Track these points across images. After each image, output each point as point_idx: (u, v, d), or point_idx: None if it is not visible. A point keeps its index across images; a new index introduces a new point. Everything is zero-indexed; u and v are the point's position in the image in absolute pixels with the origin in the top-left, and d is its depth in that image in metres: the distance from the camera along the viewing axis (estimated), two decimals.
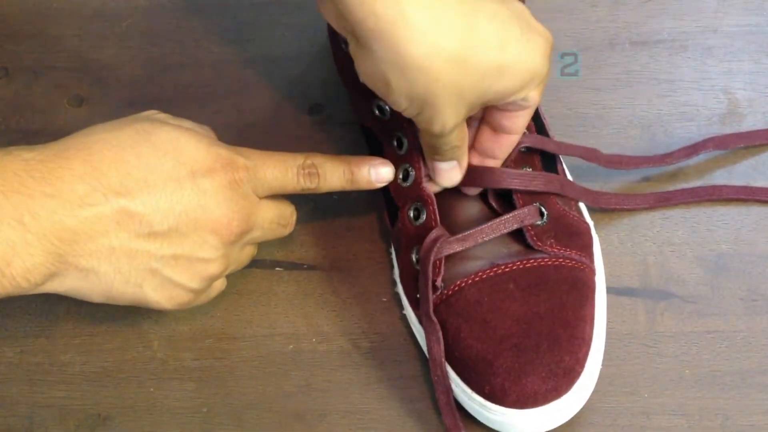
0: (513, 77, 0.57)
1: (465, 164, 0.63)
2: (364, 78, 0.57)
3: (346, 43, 0.66)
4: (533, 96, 0.59)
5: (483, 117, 0.63)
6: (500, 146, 0.63)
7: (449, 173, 0.63)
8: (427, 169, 0.64)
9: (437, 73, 0.54)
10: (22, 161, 0.56)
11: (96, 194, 0.56)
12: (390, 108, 0.65)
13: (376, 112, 0.66)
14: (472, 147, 0.64)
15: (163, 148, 0.59)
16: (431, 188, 0.64)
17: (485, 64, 0.55)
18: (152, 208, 0.58)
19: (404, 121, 0.64)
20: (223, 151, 0.61)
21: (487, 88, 0.57)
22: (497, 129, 0.62)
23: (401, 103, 0.56)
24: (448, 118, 0.57)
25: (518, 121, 0.62)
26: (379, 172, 0.64)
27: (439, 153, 0.61)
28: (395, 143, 0.65)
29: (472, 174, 0.64)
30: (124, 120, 0.61)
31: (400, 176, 0.65)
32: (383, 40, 0.53)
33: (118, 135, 0.59)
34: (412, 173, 0.64)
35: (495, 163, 0.63)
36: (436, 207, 0.63)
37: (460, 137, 0.60)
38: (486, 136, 0.63)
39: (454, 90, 0.55)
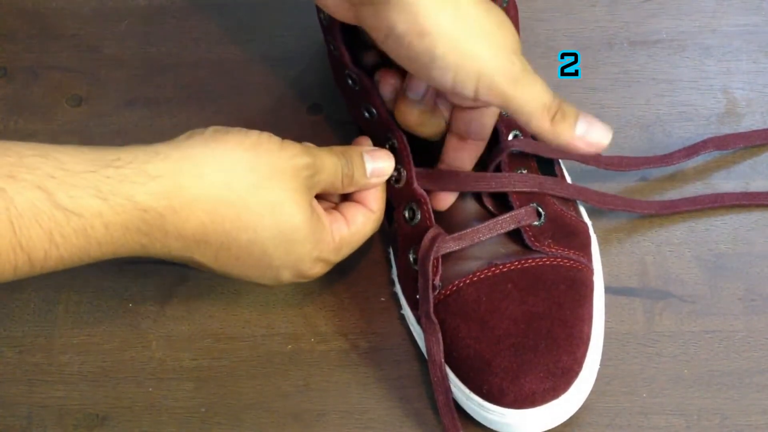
0: (512, 35, 0.58)
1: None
2: (399, 44, 0.56)
3: (334, 46, 0.66)
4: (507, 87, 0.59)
5: (449, 127, 0.64)
6: (468, 155, 0.64)
7: (601, 127, 0.59)
8: (419, 174, 0.64)
9: (464, 10, 0.56)
10: (140, 212, 0.54)
11: (186, 257, 0.57)
12: (377, 111, 0.65)
13: (366, 114, 0.66)
14: (441, 161, 0.65)
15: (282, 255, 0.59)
16: (443, 203, 0.64)
17: (495, 11, 0.57)
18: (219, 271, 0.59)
19: (392, 124, 0.64)
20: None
21: (508, 33, 0.58)
22: (464, 135, 0.63)
23: (451, 56, 0.56)
24: (510, 54, 0.57)
25: (485, 122, 0.63)
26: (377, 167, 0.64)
27: (552, 106, 0.58)
28: (387, 145, 0.65)
29: (437, 178, 0.64)
30: (267, 182, 0.58)
31: (393, 177, 0.65)
32: None
33: (252, 222, 0.57)
34: (404, 174, 0.64)
35: None
36: (430, 206, 0.64)
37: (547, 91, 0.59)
38: (453, 145, 0.64)
39: (485, 31, 0.57)
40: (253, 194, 0.57)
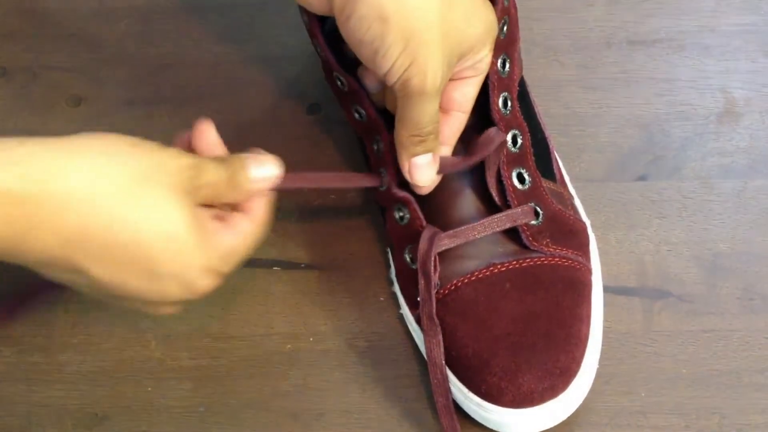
0: (482, 21, 0.59)
1: (438, 158, 0.62)
2: (357, 27, 0.57)
3: (320, 48, 0.66)
4: (488, 57, 0.61)
5: None
6: (450, 128, 0.63)
7: (426, 169, 0.62)
8: (401, 175, 0.63)
9: (429, 3, 0.56)
10: (10, 198, 0.51)
11: (65, 259, 0.53)
12: (366, 112, 0.65)
13: (356, 116, 0.66)
14: None
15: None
16: (418, 191, 0.63)
17: (462, 1, 0.58)
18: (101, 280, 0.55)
19: (381, 125, 0.64)
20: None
21: (465, 30, 0.58)
22: (447, 108, 0.62)
23: (396, 48, 0.56)
24: (438, 65, 0.57)
25: (469, 92, 0.62)
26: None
27: (420, 134, 0.60)
28: (375, 146, 0.65)
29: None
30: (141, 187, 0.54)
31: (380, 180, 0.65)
32: None
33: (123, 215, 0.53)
34: (386, 177, 0.64)
35: (446, 150, 0.63)
36: (416, 206, 0.63)
37: (438, 116, 0.61)
38: None
39: (444, 28, 0.57)
40: (130, 188, 0.53)
